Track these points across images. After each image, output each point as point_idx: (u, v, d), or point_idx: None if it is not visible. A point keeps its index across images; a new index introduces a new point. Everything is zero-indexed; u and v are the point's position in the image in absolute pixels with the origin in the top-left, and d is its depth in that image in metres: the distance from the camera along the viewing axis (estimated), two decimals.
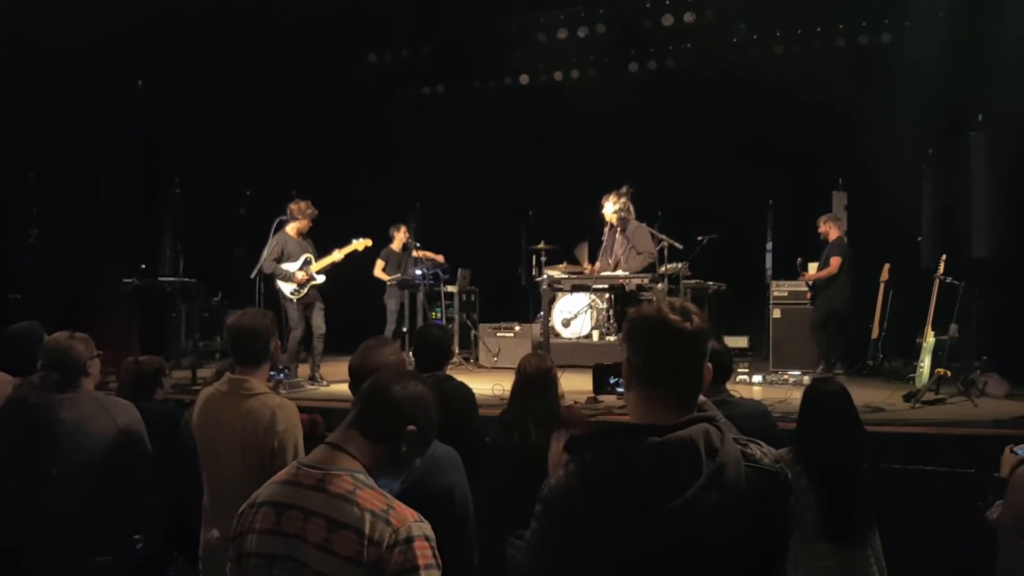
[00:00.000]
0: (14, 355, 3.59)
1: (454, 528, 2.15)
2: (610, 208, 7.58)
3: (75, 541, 3.11)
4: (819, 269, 7.85)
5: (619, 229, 7.61)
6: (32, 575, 3.17)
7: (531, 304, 9.84)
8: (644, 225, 7.58)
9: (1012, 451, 2.88)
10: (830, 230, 7.96)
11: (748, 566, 1.51)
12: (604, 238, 7.74)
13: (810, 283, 7.92)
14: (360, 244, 7.36)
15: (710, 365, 1.66)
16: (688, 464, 1.48)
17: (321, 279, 7.13)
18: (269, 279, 7.06)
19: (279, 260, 6.99)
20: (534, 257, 8.97)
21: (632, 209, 7.65)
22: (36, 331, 3.66)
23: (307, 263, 7.05)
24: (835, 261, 7.67)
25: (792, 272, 8.18)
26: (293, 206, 7.09)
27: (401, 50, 10.62)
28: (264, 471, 2.63)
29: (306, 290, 7.07)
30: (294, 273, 6.99)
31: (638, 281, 7.07)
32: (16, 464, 3.17)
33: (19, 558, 3.17)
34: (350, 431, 1.80)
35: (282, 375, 6.69)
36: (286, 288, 7.03)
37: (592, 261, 8.13)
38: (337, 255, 7.17)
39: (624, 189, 7.64)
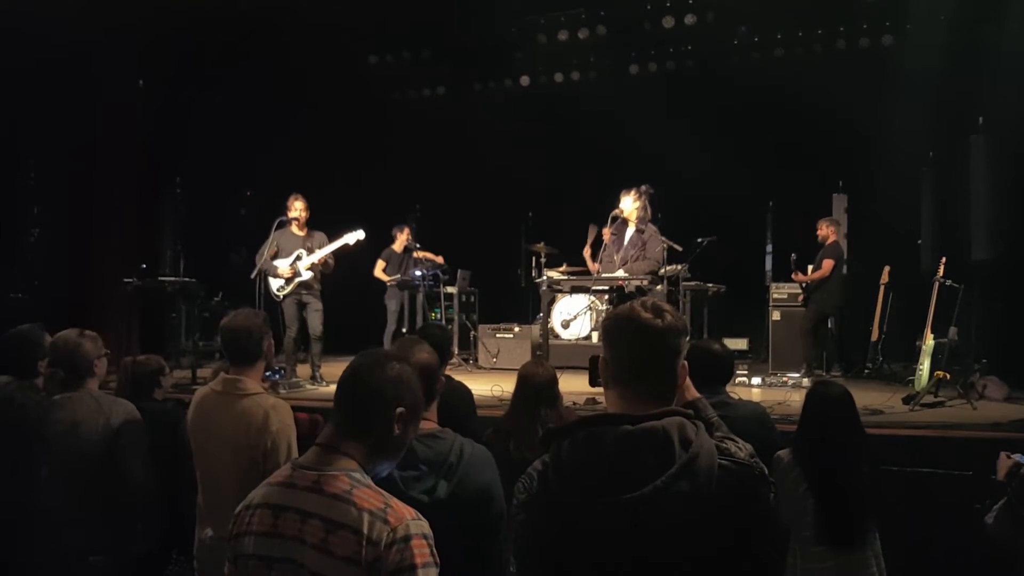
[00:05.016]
0: (14, 357, 3.58)
1: (492, 528, 2.14)
2: (629, 204, 7.48)
3: (67, 542, 3.11)
4: (812, 271, 7.87)
5: (636, 229, 7.56)
6: None
7: (531, 305, 9.84)
8: (658, 232, 7.56)
9: (1008, 456, 2.88)
10: (829, 234, 7.96)
11: (726, 558, 1.51)
12: (609, 228, 7.62)
13: (803, 284, 7.93)
14: (352, 238, 7.09)
15: (685, 363, 1.69)
16: (659, 453, 1.50)
17: (308, 275, 6.91)
18: (267, 279, 7.02)
19: (275, 257, 6.94)
20: (533, 258, 8.97)
21: (649, 210, 7.61)
22: (36, 333, 3.65)
23: (297, 259, 6.93)
24: (827, 264, 7.68)
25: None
26: (288, 203, 7.05)
27: (402, 51, 10.63)
28: (257, 471, 2.65)
29: (291, 287, 6.92)
30: (278, 268, 6.89)
31: (637, 283, 7.06)
32: (3, 466, 3.17)
33: (10, 560, 3.17)
34: (339, 428, 1.79)
35: (278, 376, 6.68)
36: (273, 285, 6.93)
37: (594, 258, 8.08)
38: (328, 250, 6.97)
39: (643, 188, 7.57)
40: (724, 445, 1.59)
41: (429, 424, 2.28)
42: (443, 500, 2.12)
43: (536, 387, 3.50)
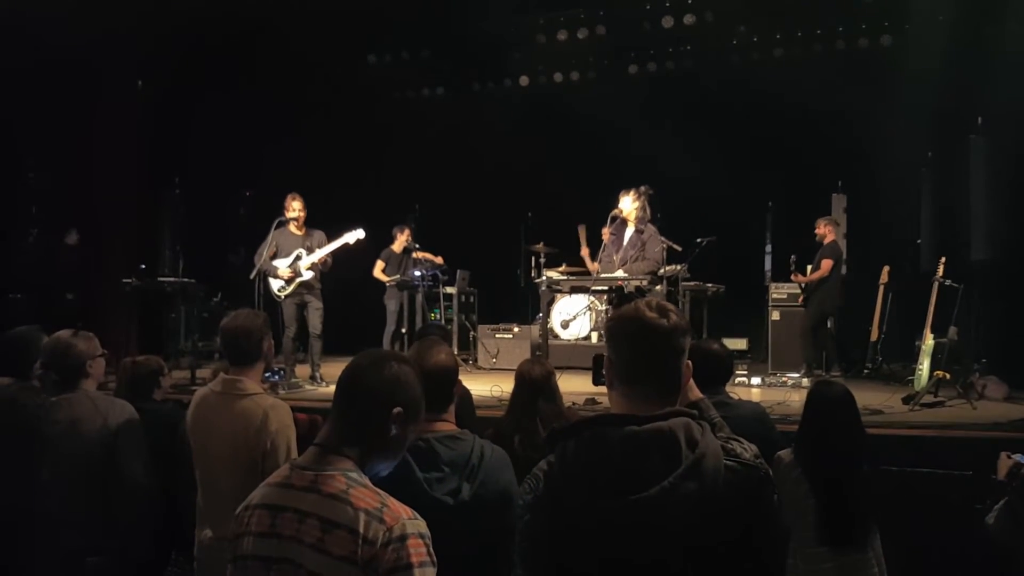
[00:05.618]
0: (13, 360, 3.58)
1: (512, 530, 2.15)
2: (628, 204, 7.50)
3: (66, 543, 3.10)
4: (811, 271, 7.87)
5: (636, 229, 7.57)
6: None
7: (530, 305, 9.84)
8: (657, 232, 7.57)
9: (1008, 456, 2.88)
10: (827, 233, 7.96)
11: (729, 559, 1.51)
12: (609, 228, 7.62)
13: (803, 285, 7.93)
14: (352, 237, 7.07)
15: (689, 363, 1.69)
16: (665, 453, 1.50)
17: (309, 275, 6.90)
18: (267, 279, 7.00)
19: (274, 258, 6.92)
20: (533, 258, 8.97)
21: (648, 210, 7.61)
22: (35, 335, 3.65)
23: (297, 259, 6.91)
24: (826, 264, 7.68)
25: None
26: (285, 203, 7.03)
27: (400, 51, 10.64)
28: (256, 471, 2.65)
29: (292, 287, 6.90)
30: (278, 269, 6.88)
31: (637, 283, 7.06)
32: (4, 467, 3.17)
33: (10, 561, 3.17)
34: (337, 429, 1.79)
35: (277, 377, 6.67)
36: (274, 285, 6.91)
37: (592, 258, 8.08)
38: (328, 249, 6.96)
39: (643, 188, 7.58)
40: (730, 446, 1.59)
41: (448, 426, 2.28)
42: (467, 502, 2.12)
43: (534, 382, 3.50)
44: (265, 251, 6.81)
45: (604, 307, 8.45)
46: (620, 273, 7.39)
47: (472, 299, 9.95)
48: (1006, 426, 4.88)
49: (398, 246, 8.98)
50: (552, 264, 8.71)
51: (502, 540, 2.13)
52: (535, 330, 8.61)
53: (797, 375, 7.32)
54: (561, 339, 8.47)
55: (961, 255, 7.22)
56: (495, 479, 2.21)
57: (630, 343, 1.65)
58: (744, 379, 7.04)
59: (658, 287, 7.30)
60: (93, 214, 8.83)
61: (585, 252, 8.22)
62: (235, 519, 1.78)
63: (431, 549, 1.66)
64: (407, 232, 8.90)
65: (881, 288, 8.14)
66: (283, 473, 1.78)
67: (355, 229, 7.09)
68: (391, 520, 1.63)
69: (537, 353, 7.87)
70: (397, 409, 1.79)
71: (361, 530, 1.61)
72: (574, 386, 5.71)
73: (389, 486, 1.75)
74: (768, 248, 9.59)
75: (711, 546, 1.49)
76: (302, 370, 7.20)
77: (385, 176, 10.39)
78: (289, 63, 9.57)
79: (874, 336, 8.11)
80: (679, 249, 7.68)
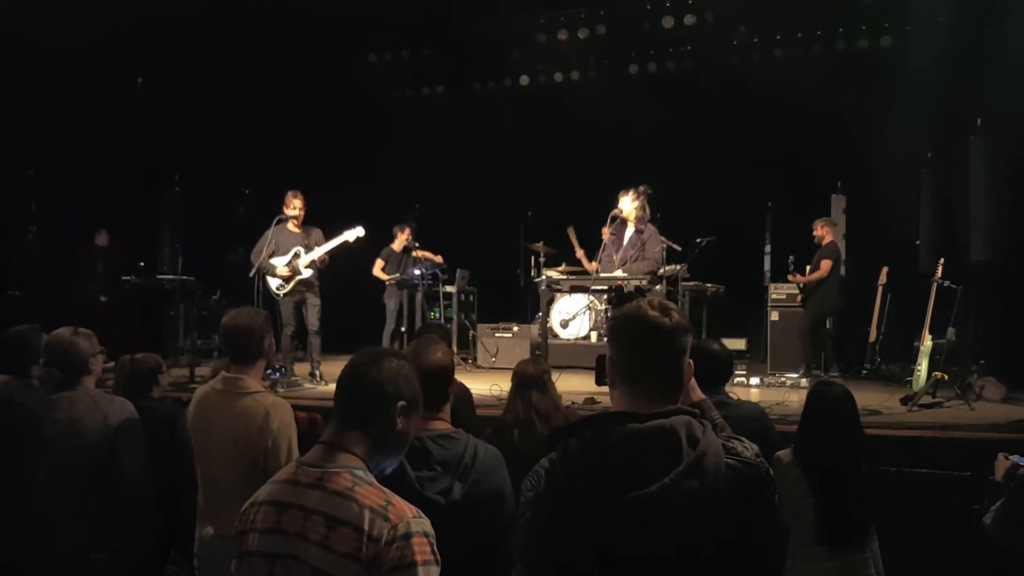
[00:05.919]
0: (12, 358, 3.58)
1: (504, 529, 2.15)
2: (628, 204, 7.51)
3: (66, 541, 3.11)
4: (810, 272, 7.88)
5: (635, 229, 7.58)
6: None
7: (529, 305, 9.84)
8: (657, 232, 7.58)
9: (1006, 457, 2.89)
10: (825, 234, 7.96)
11: (729, 557, 1.52)
12: (609, 228, 7.63)
13: (801, 285, 7.93)
14: (351, 235, 7.05)
15: (691, 361, 1.70)
16: (667, 451, 1.51)
17: (308, 273, 6.89)
18: (266, 277, 6.99)
19: (272, 255, 6.91)
20: (532, 258, 8.97)
21: (648, 210, 7.62)
22: (33, 336, 3.65)
23: (295, 256, 6.88)
24: (825, 264, 7.69)
25: None
26: (286, 200, 7.02)
27: (401, 51, 10.64)
28: (258, 469, 2.66)
29: (291, 285, 6.88)
30: (276, 267, 6.86)
31: (636, 283, 7.07)
32: (2, 466, 3.17)
33: (10, 560, 3.17)
34: (341, 426, 1.80)
35: (277, 375, 6.67)
36: (272, 283, 6.89)
37: (589, 258, 8.09)
38: (328, 247, 6.95)
39: (642, 188, 7.59)
40: (731, 444, 1.60)
41: (443, 424, 2.28)
42: (458, 501, 2.13)
43: (529, 379, 3.54)
44: (264, 249, 6.80)
45: (604, 307, 8.46)
46: (620, 273, 7.40)
47: (472, 298, 9.95)
48: (1004, 427, 4.89)
49: (398, 245, 8.98)
50: (552, 264, 8.72)
51: (496, 539, 2.14)
52: (534, 329, 8.61)
53: (796, 375, 7.33)
54: (561, 338, 8.48)
55: (960, 256, 7.23)
56: (488, 479, 2.21)
57: (632, 342, 1.66)
58: (743, 379, 7.04)
59: (658, 287, 7.31)
60: (92, 212, 8.83)
61: (581, 253, 8.22)
62: (241, 515, 1.79)
63: (435, 548, 1.66)
64: (407, 231, 8.90)
65: (880, 289, 8.15)
66: (289, 470, 1.79)
67: (354, 227, 7.08)
68: (396, 518, 1.64)
69: (537, 352, 7.87)
70: (401, 403, 1.80)
71: (366, 527, 1.61)
72: (574, 385, 5.72)
73: (381, 484, 1.76)
74: (767, 248, 9.59)
75: (711, 544, 1.50)
76: (301, 368, 7.20)
77: (385, 175, 10.39)
78: (289, 63, 9.56)
79: (873, 337, 8.12)
80: (679, 249, 7.69)
